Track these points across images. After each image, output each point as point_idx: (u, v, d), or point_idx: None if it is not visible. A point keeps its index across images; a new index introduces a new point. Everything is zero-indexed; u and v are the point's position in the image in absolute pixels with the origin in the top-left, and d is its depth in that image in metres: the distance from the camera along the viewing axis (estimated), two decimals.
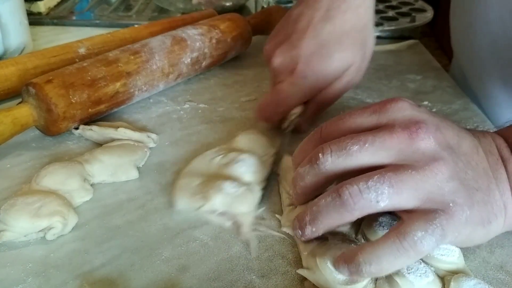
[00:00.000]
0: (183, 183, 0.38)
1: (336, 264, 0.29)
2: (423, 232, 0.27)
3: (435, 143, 0.29)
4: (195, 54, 0.53)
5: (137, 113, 0.50)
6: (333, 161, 0.30)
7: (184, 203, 0.36)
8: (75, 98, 0.43)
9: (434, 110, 0.52)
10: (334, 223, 0.30)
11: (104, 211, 0.37)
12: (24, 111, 0.42)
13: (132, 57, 0.48)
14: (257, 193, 0.37)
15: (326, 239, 0.32)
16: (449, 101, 0.54)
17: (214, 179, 0.37)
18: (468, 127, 0.49)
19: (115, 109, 0.48)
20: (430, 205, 0.28)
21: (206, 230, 0.35)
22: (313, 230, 0.30)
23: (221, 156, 0.39)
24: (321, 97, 0.44)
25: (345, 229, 0.33)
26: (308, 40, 0.41)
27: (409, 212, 0.28)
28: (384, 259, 0.27)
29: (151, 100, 0.52)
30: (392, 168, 0.28)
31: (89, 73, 0.45)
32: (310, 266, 0.31)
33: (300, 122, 0.45)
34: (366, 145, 0.29)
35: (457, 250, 0.31)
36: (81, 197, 0.37)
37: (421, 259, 0.30)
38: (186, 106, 0.52)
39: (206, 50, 0.54)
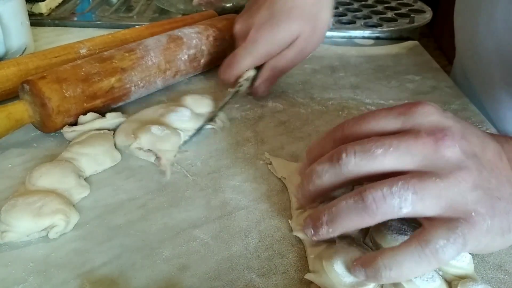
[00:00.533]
0: (124, 126, 0.45)
1: (352, 267, 0.29)
2: (445, 241, 0.27)
3: (460, 151, 0.28)
4: (192, 51, 0.54)
5: (137, 113, 0.50)
6: (357, 163, 0.29)
7: (120, 141, 0.43)
8: (68, 92, 0.44)
9: None
10: (353, 226, 0.29)
11: (105, 210, 0.37)
12: (19, 107, 0.43)
13: (127, 54, 0.49)
14: (179, 136, 0.43)
15: (334, 242, 0.32)
16: (448, 101, 0.54)
17: (149, 124, 0.43)
18: None
19: (113, 106, 0.49)
20: (452, 213, 0.27)
21: (206, 230, 0.35)
22: (329, 231, 0.30)
23: (163, 108, 0.47)
24: (273, 63, 0.49)
25: (354, 232, 0.33)
26: (263, 11, 0.48)
27: (430, 219, 0.28)
28: (405, 265, 0.27)
29: (151, 100, 0.53)
30: (416, 175, 0.28)
31: (83, 69, 0.45)
32: (317, 269, 0.31)
33: (254, 86, 0.50)
34: (391, 149, 0.28)
35: (469, 256, 0.31)
36: (79, 193, 0.38)
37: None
38: None
39: (203, 47, 0.55)
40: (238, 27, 0.50)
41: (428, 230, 0.27)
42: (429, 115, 0.30)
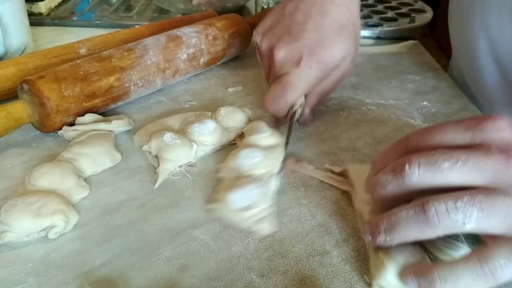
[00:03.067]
0: (147, 126, 0.45)
1: (404, 276, 0.28)
2: (506, 260, 0.26)
3: None
4: (191, 50, 0.54)
5: (137, 113, 0.50)
6: (421, 175, 0.28)
7: (136, 140, 0.44)
8: (67, 92, 0.44)
9: (433, 110, 0.52)
10: (411, 237, 0.28)
11: (105, 210, 0.37)
12: (18, 106, 0.43)
13: (126, 53, 0.49)
14: (190, 148, 0.42)
15: None
16: (448, 101, 0.54)
17: (170, 130, 0.43)
18: None
19: (113, 105, 0.49)
20: None
21: (206, 230, 0.35)
22: (386, 240, 0.29)
23: (193, 117, 0.46)
24: (321, 87, 0.46)
25: None
26: (310, 32, 0.43)
27: (493, 236, 0.27)
28: (461, 280, 0.27)
29: (151, 100, 0.52)
30: (484, 191, 0.27)
31: (82, 68, 0.45)
32: (374, 262, 0.31)
33: (303, 113, 0.46)
34: (459, 163, 0.27)
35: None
36: (79, 194, 0.38)
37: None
38: (187, 106, 0.52)
39: (202, 47, 0.55)
40: (283, 53, 0.43)
41: (490, 247, 0.27)
42: (501, 130, 0.28)
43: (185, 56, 0.53)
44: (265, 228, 0.35)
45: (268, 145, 0.42)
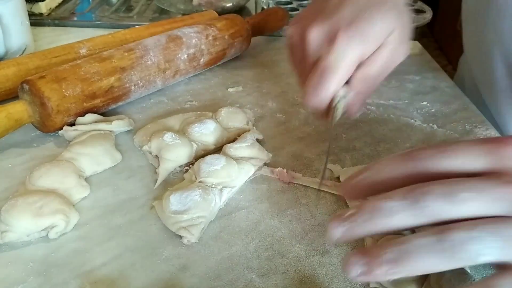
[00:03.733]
0: (148, 126, 0.45)
1: None
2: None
3: None
4: (191, 51, 0.54)
5: (138, 113, 0.50)
6: (439, 207, 0.25)
7: (137, 140, 0.44)
8: (68, 92, 0.44)
9: (433, 110, 0.52)
10: (422, 270, 0.25)
11: (105, 210, 0.37)
12: (19, 107, 0.43)
13: (126, 54, 0.49)
14: (190, 148, 0.41)
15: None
16: (448, 101, 0.54)
17: (171, 130, 0.43)
18: (467, 127, 0.49)
19: (113, 105, 0.49)
20: None
21: (206, 230, 0.35)
22: (388, 272, 0.25)
23: (194, 117, 0.46)
24: (365, 71, 0.38)
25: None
26: (346, 7, 0.38)
27: (506, 266, 0.26)
28: None
29: (151, 100, 0.53)
30: (506, 221, 0.25)
31: (82, 69, 0.46)
32: None
33: (350, 104, 0.39)
34: (482, 195, 0.25)
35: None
36: (79, 193, 0.38)
37: None
38: (187, 106, 0.52)
39: (203, 47, 0.55)
40: (316, 33, 0.37)
41: (502, 275, 0.25)
42: None
43: (185, 56, 0.53)
44: (189, 236, 0.34)
45: (241, 156, 0.41)
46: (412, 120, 0.50)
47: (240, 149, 0.41)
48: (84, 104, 0.45)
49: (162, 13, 0.77)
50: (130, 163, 0.42)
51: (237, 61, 0.62)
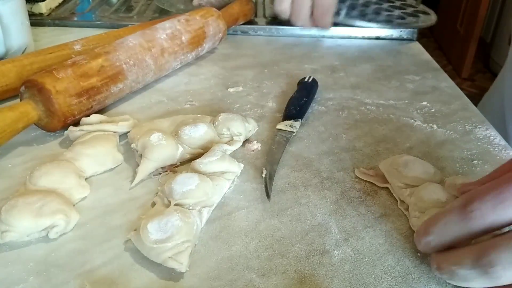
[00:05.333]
0: (143, 125, 0.44)
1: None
2: None
3: None
4: (168, 31, 0.56)
5: (138, 113, 0.50)
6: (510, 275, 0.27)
7: (130, 137, 0.43)
8: (60, 75, 0.44)
9: (433, 110, 0.52)
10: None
11: (105, 210, 0.37)
12: (27, 106, 0.43)
13: (107, 44, 0.51)
14: (174, 151, 0.41)
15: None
16: (447, 101, 0.54)
17: (162, 131, 0.42)
18: (467, 127, 0.49)
19: (114, 87, 0.49)
20: None
21: (206, 230, 0.35)
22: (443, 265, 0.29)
23: (191, 119, 0.45)
24: None
25: None
26: None
27: None
28: None
29: (152, 100, 0.53)
30: None
31: (69, 58, 0.48)
32: None
33: (316, 16, 0.46)
34: None
35: None
36: (79, 193, 0.38)
37: None
38: (187, 106, 0.52)
39: (178, 27, 0.57)
40: None
41: None
42: None
43: (164, 35, 0.55)
44: (177, 266, 0.31)
45: (213, 171, 0.39)
46: (412, 120, 0.50)
47: (210, 164, 0.39)
48: (81, 83, 0.46)
49: (162, 13, 0.77)
50: (130, 163, 0.42)
51: (237, 61, 0.62)
